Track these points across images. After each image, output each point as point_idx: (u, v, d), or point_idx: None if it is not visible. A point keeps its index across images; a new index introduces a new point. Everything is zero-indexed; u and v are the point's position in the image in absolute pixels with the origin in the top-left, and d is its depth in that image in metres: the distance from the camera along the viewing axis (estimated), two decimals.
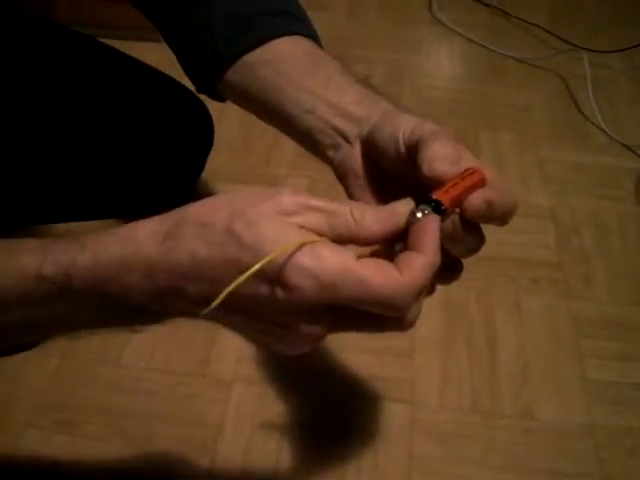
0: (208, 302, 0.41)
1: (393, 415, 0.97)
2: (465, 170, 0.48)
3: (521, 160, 1.41)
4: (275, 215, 0.42)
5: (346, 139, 0.58)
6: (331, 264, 0.40)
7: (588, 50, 1.64)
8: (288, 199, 0.43)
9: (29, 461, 0.91)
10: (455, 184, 0.46)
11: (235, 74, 0.64)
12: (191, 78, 0.70)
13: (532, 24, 1.78)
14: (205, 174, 1.10)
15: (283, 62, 0.61)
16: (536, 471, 0.92)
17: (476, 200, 0.46)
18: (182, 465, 0.91)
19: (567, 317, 1.11)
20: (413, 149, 0.50)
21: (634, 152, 1.43)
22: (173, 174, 1.03)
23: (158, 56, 1.14)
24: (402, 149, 0.52)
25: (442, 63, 1.73)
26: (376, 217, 0.44)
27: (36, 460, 0.91)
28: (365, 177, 0.57)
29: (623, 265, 1.20)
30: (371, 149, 0.56)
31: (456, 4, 1.87)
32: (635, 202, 1.33)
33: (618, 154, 1.44)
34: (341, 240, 0.44)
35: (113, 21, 1.56)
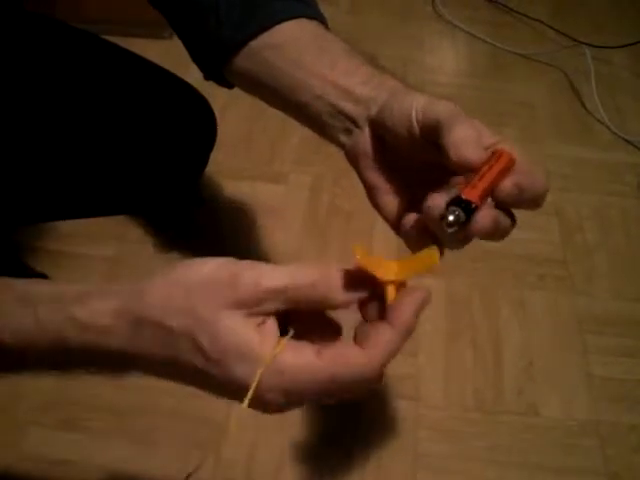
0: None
1: (397, 412, 0.97)
2: (492, 153, 0.47)
3: None
4: (233, 313, 0.42)
5: (356, 123, 0.57)
6: (295, 375, 0.41)
7: (591, 45, 1.64)
8: (246, 288, 0.42)
9: (32, 459, 0.90)
10: (483, 176, 0.45)
11: (242, 60, 0.63)
12: (198, 64, 0.70)
13: (535, 19, 1.78)
14: (208, 170, 1.10)
15: (289, 46, 0.61)
16: (540, 468, 0.92)
17: (507, 186, 0.46)
18: (186, 463, 0.91)
19: (571, 313, 1.11)
20: (430, 130, 0.50)
21: (637, 147, 1.43)
22: (176, 170, 1.02)
23: (160, 52, 1.14)
24: (416, 129, 0.51)
25: (445, 59, 1.72)
26: (344, 287, 0.43)
27: (39, 458, 0.91)
28: (376, 158, 0.57)
29: (627, 261, 1.20)
30: (381, 129, 0.55)
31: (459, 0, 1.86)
32: (639, 197, 1.32)
33: (621, 149, 1.43)
34: (306, 309, 0.44)
35: (115, 17, 1.56)
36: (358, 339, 0.43)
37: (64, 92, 0.92)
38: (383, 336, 0.42)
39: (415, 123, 0.51)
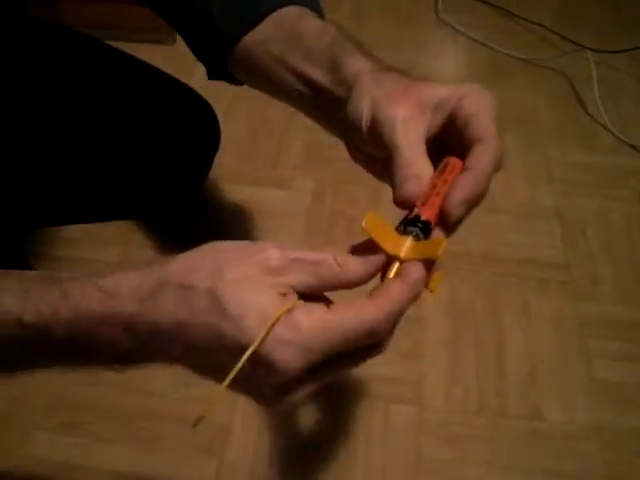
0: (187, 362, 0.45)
1: (400, 416, 0.97)
2: (445, 165, 0.48)
3: (527, 161, 1.40)
4: (259, 277, 0.42)
5: (332, 117, 0.57)
6: (307, 328, 0.40)
7: (594, 50, 1.64)
8: (274, 254, 0.43)
9: (36, 462, 0.91)
10: (439, 191, 0.46)
11: (240, 56, 0.63)
12: (203, 63, 0.70)
13: (538, 24, 1.78)
14: (212, 175, 1.11)
15: (271, 41, 0.61)
16: (543, 472, 0.92)
17: (455, 209, 0.46)
18: (189, 467, 0.91)
19: (574, 318, 1.11)
20: (379, 142, 0.51)
21: None
22: (180, 175, 1.03)
23: (164, 58, 1.14)
24: (365, 131, 0.52)
25: (448, 64, 1.73)
26: (359, 260, 0.44)
27: (42, 461, 0.91)
28: (355, 147, 0.57)
29: (630, 266, 1.20)
30: (346, 125, 0.55)
31: (462, 5, 1.86)
32: None
33: (624, 154, 1.43)
34: (328, 287, 0.44)
35: (118, 23, 1.57)
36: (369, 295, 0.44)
37: (68, 97, 0.93)
38: (392, 287, 0.43)
39: (366, 130, 0.52)
